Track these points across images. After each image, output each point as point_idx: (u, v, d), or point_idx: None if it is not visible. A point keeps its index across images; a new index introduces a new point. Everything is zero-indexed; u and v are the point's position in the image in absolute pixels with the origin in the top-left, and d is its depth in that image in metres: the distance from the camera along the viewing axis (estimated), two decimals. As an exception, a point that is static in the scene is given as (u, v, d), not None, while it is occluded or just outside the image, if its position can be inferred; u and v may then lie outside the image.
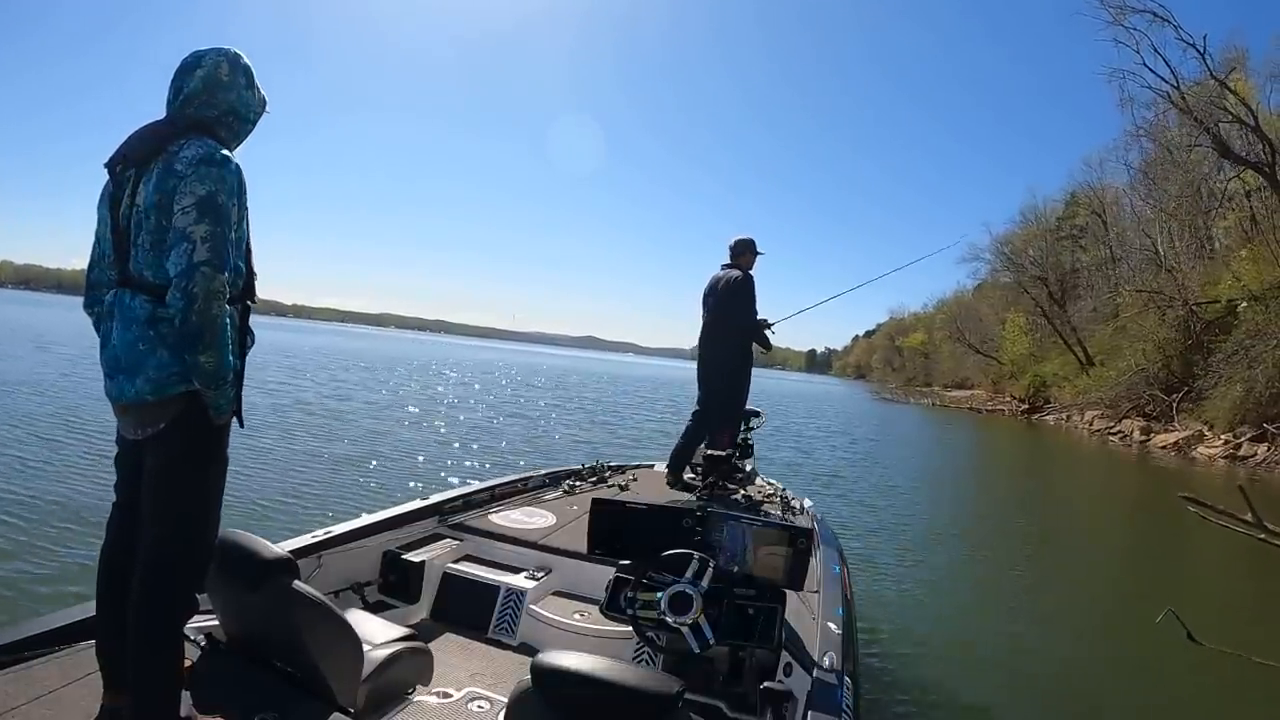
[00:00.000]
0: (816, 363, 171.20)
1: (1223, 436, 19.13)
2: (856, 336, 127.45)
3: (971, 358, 48.74)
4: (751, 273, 4.91)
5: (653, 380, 45.09)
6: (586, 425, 15.16)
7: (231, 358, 1.63)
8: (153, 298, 1.60)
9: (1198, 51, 20.14)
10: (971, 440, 23.95)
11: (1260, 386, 18.26)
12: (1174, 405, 22.29)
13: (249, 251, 1.76)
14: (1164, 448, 20.27)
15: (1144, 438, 22.17)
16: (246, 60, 1.78)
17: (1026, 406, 34.70)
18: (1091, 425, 26.19)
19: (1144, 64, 21.86)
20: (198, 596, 1.75)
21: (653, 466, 5.24)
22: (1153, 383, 23.88)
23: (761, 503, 4.22)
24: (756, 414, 5.16)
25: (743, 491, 4.41)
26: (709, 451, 4.62)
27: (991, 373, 44.63)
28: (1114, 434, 24.01)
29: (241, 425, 1.76)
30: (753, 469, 4.94)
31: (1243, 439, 18.30)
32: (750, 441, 5.06)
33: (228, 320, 1.61)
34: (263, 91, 1.84)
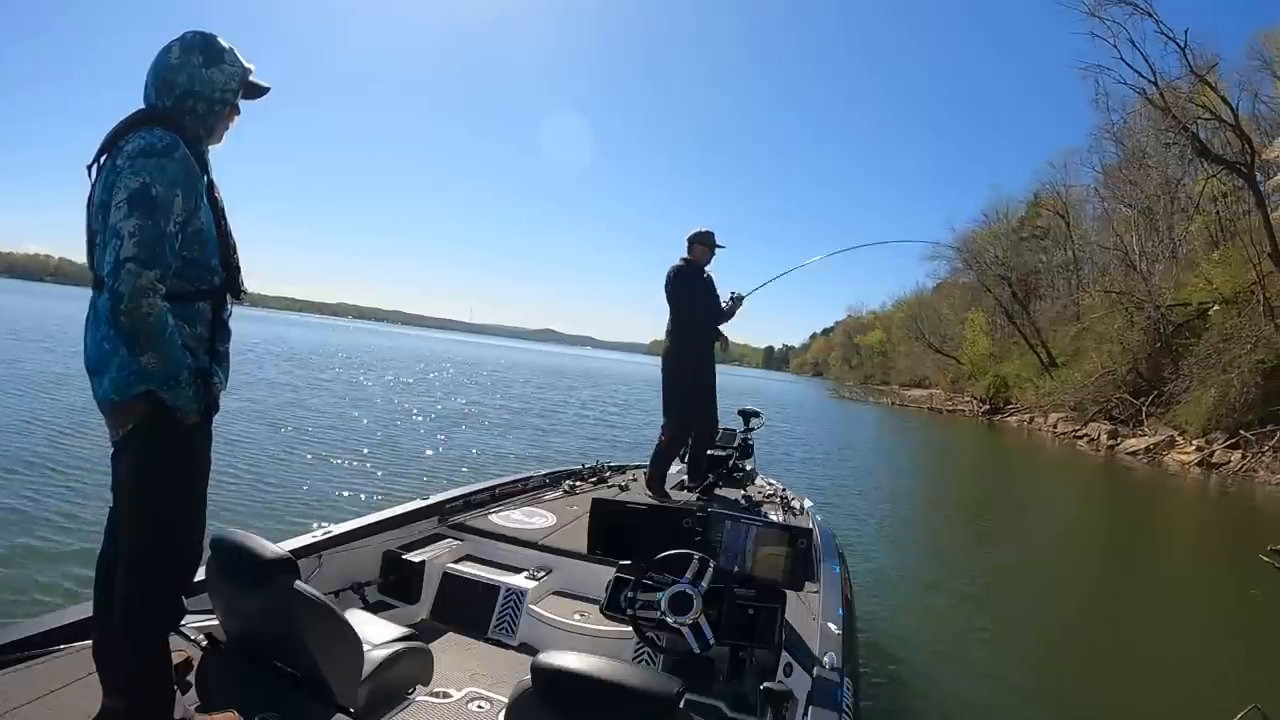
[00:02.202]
0: (774, 359, 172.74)
1: (1194, 443, 18.61)
2: (814, 334, 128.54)
3: (930, 357, 48.58)
4: (703, 264, 4.79)
5: (602, 375, 44.06)
6: (501, 433, 13.45)
7: (182, 355, 1.57)
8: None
9: (1178, 46, 19.54)
10: (939, 444, 23.44)
11: (1235, 391, 17.73)
12: (1142, 409, 21.79)
13: (225, 244, 1.71)
14: (1134, 453, 19.73)
15: (1112, 442, 21.66)
16: (210, 37, 1.68)
17: (987, 407, 34.34)
18: (1056, 428, 25.71)
19: (1121, 58, 21.22)
20: (200, 596, 1.84)
21: None
22: (1120, 385, 23.42)
23: (761, 503, 4.19)
24: (756, 414, 5.08)
25: (743, 491, 4.37)
26: (709, 452, 4.66)
27: (950, 371, 44.46)
28: (1079, 437, 23.53)
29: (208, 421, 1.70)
30: (753, 469, 4.92)
31: (1215, 445, 17.80)
32: (750, 441, 5.02)
33: (167, 317, 1.52)
34: (240, 65, 1.71)
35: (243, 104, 1.78)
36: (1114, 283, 26.85)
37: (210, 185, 1.68)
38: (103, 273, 1.54)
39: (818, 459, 13.70)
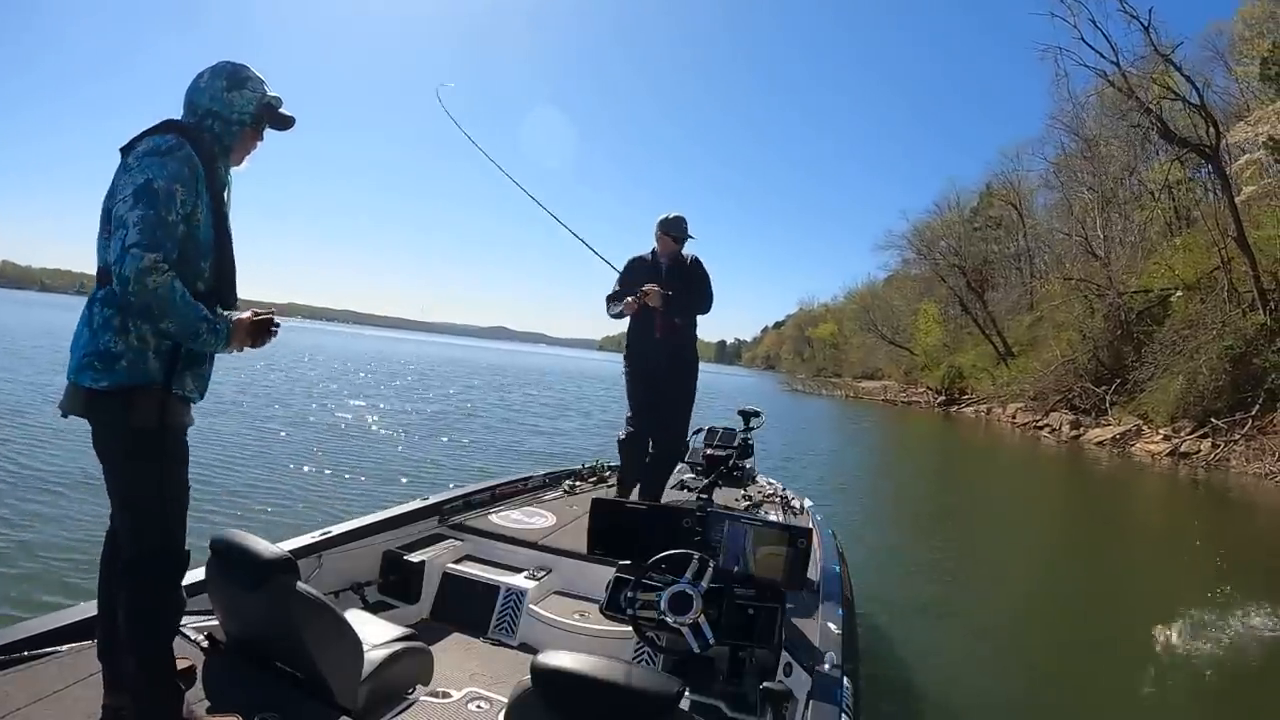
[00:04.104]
0: (726, 353, 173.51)
1: (1161, 431, 18.07)
2: (766, 327, 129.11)
3: (883, 349, 48.34)
4: (640, 255, 4.43)
5: (543, 371, 42.37)
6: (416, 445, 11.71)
7: (196, 310, 1.63)
8: (102, 286, 1.67)
9: (1142, 25, 18.92)
10: (901, 438, 22.83)
11: (1204, 379, 17.20)
12: (1106, 398, 21.28)
13: (221, 253, 1.78)
14: (1100, 444, 19.15)
15: (1074, 432, 21.15)
16: (238, 66, 1.83)
17: (943, 398, 33.92)
18: (1015, 419, 25.19)
19: (1082, 39, 20.56)
20: (200, 596, 1.88)
21: None
22: (1081, 374, 22.94)
23: (761, 503, 4.22)
24: (757, 414, 5.02)
25: (743, 491, 4.39)
26: (708, 451, 4.92)
27: (904, 363, 44.21)
28: (1041, 428, 23.00)
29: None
30: (752, 468, 4.94)
31: (1184, 434, 17.25)
32: (750, 441, 4.99)
33: (175, 283, 1.60)
34: (261, 92, 1.84)
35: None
36: (1073, 269, 26.49)
37: (218, 198, 1.77)
38: (109, 260, 1.62)
39: (779, 467, 12.43)
